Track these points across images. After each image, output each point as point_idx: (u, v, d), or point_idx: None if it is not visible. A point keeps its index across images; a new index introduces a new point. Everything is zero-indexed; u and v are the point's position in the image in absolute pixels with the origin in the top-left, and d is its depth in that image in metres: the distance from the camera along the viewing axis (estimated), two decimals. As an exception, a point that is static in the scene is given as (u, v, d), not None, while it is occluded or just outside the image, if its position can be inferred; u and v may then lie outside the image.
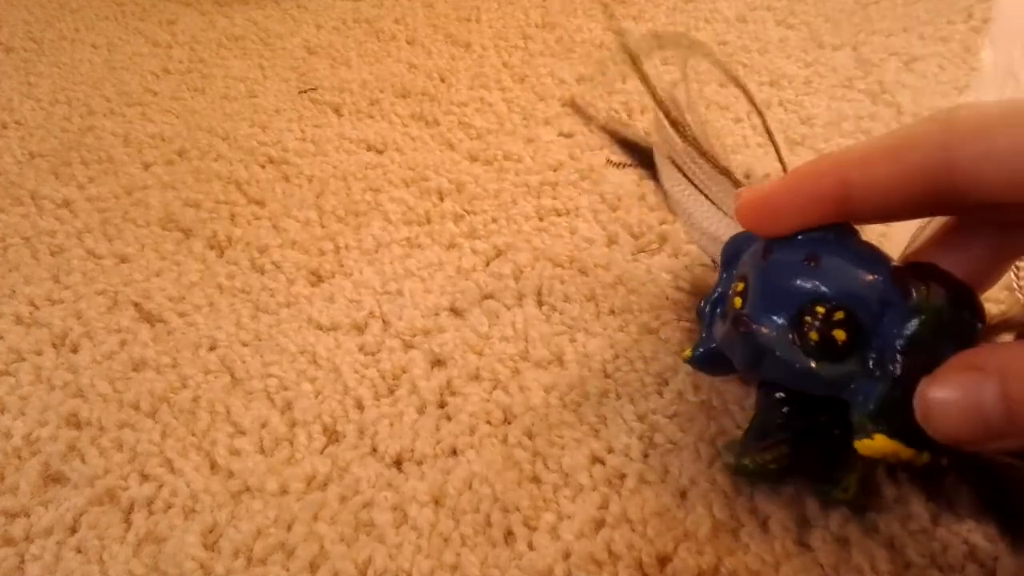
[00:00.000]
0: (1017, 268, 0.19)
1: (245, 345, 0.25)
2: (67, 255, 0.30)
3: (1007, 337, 0.19)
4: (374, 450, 0.21)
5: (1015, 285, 0.18)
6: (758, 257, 0.17)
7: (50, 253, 0.31)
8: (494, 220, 0.30)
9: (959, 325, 0.15)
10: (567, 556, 0.18)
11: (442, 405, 0.22)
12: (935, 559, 0.17)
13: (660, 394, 0.22)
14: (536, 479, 0.20)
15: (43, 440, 0.23)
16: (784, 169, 0.23)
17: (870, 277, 0.15)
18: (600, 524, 0.19)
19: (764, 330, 0.16)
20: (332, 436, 0.22)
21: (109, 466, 0.22)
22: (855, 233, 0.17)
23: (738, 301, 0.17)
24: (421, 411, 0.22)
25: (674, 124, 0.22)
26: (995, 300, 0.22)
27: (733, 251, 0.18)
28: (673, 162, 0.22)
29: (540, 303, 0.26)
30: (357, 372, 0.24)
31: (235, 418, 0.23)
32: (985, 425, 0.13)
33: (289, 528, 0.20)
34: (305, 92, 0.40)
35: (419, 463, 0.21)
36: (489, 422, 0.22)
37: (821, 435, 0.17)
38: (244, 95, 0.41)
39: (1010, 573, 0.17)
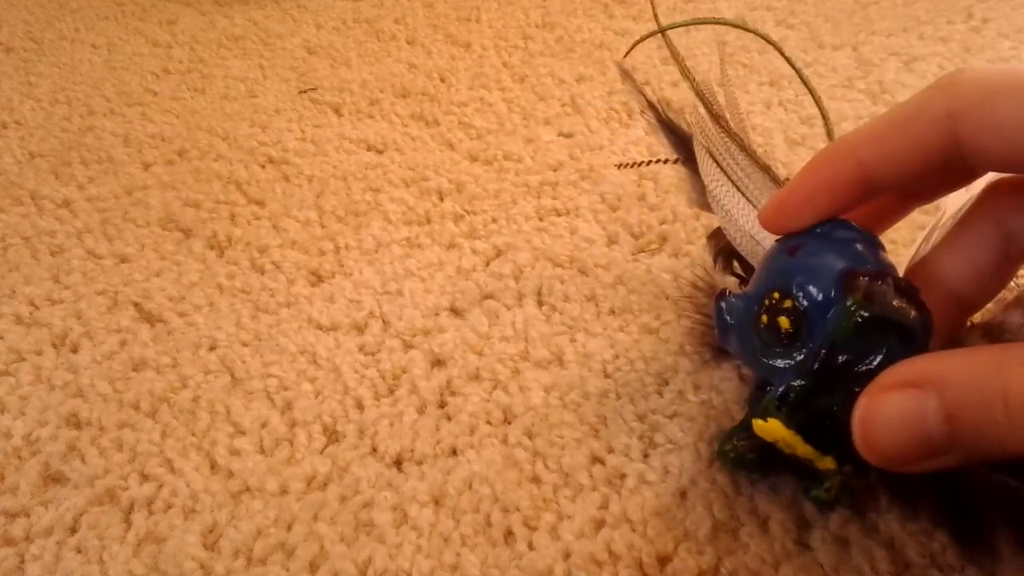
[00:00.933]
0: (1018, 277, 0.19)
1: (245, 345, 0.25)
2: (67, 255, 0.30)
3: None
4: (374, 450, 0.21)
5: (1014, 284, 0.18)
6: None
7: (50, 253, 0.31)
8: (494, 220, 0.30)
9: (899, 338, 0.14)
10: (567, 556, 0.18)
11: (442, 405, 0.22)
12: (935, 559, 0.17)
13: (660, 394, 0.22)
14: (536, 479, 0.20)
15: (43, 440, 0.23)
16: (826, 122, 0.23)
17: (825, 274, 0.15)
18: (600, 524, 0.19)
19: (732, 306, 0.17)
20: (332, 436, 0.22)
21: (109, 466, 0.22)
22: (856, 230, 0.17)
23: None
24: (421, 411, 0.22)
25: (714, 118, 0.22)
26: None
27: None
28: (712, 157, 0.22)
29: (540, 303, 0.26)
30: (357, 372, 0.24)
31: (235, 418, 0.23)
32: (928, 444, 0.12)
33: (289, 528, 0.20)
34: (305, 92, 0.40)
35: (419, 463, 0.21)
36: (489, 422, 0.22)
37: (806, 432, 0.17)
38: (244, 95, 0.41)
39: (1010, 574, 0.17)
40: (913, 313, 0.14)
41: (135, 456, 0.22)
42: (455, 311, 0.26)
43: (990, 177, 0.17)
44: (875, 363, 0.14)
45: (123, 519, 0.20)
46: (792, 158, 0.31)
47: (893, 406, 0.13)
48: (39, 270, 0.30)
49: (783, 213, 0.17)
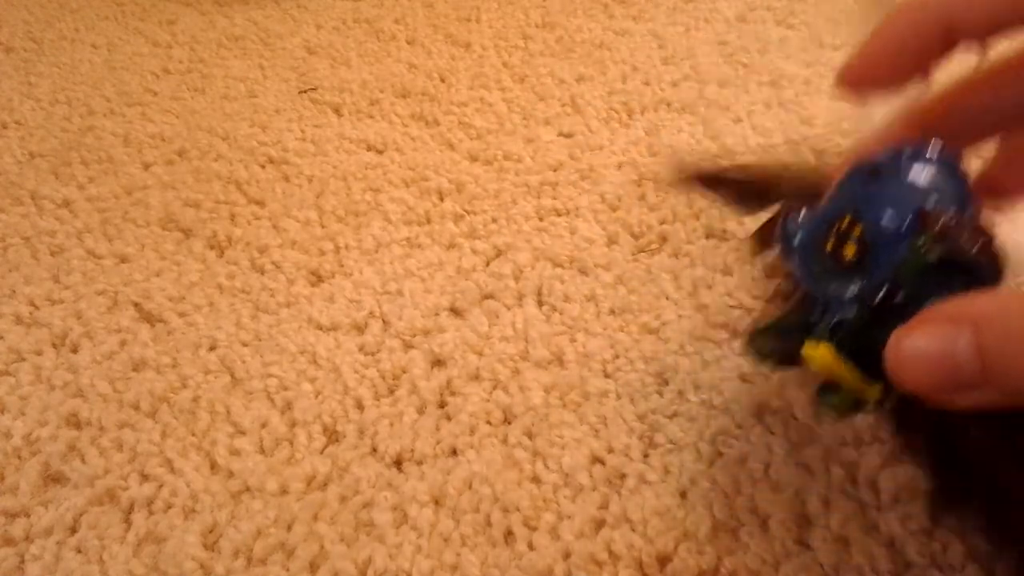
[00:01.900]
0: None
1: (245, 345, 0.25)
2: (67, 255, 0.30)
3: None
4: (374, 450, 0.21)
5: None
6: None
7: (50, 253, 0.31)
8: (494, 220, 0.30)
9: (965, 282, 0.14)
10: (567, 556, 0.18)
11: (442, 405, 0.22)
12: (935, 559, 0.17)
13: (660, 394, 0.22)
14: (536, 479, 0.20)
15: (43, 440, 0.23)
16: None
17: (901, 206, 0.15)
18: (600, 524, 0.19)
19: (800, 224, 0.16)
20: (332, 436, 0.22)
21: (109, 466, 0.22)
22: (942, 157, 0.16)
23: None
24: (421, 411, 0.22)
25: None
26: None
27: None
28: None
29: (540, 303, 0.26)
30: (357, 372, 0.24)
31: (235, 418, 0.23)
32: (957, 375, 0.13)
33: (289, 528, 0.20)
34: (305, 92, 0.40)
35: (419, 463, 0.21)
36: (489, 422, 0.22)
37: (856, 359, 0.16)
38: (244, 95, 0.41)
39: (1010, 573, 0.17)
40: (984, 259, 0.14)
41: (135, 456, 0.22)
42: (455, 311, 0.26)
43: None
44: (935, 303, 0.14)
45: (123, 519, 0.20)
46: (792, 158, 0.31)
47: (926, 337, 0.13)
48: (39, 270, 0.30)
49: (863, 73, 0.15)
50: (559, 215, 0.30)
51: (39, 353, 0.26)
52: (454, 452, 0.21)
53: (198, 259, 0.30)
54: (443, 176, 0.32)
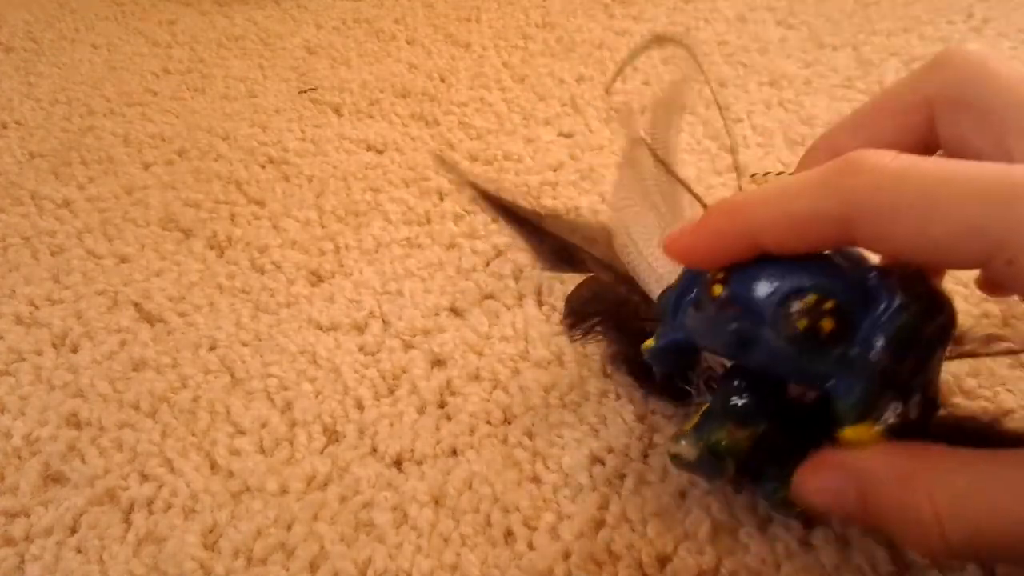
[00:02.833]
0: None
1: (245, 345, 0.25)
2: (67, 255, 0.30)
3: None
4: (374, 450, 0.21)
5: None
6: None
7: (50, 253, 0.31)
8: (494, 220, 0.30)
9: (935, 328, 0.15)
10: (567, 556, 0.18)
11: (442, 405, 0.22)
12: (935, 560, 0.17)
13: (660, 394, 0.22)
14: (536, 479, 0.20)
15: (43, 440, 0.23)
16: (738, 172, 0.24)
17: (858, 272, 0.15)
18: (600, 524, 0.19)
19: (752, 315, 0.16)
20: (332, 436, 0.22)
21: (109, 466, 0.22)
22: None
23: (717, 288, 0.16)
24: (421, 411, 0.22)
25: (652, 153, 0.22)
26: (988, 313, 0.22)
27: None
28: (639, 173, 0.22)
29: (540, 303, 0.26)
30: (357, 372, 0.24)
31: (235, 418, 0.23)
32: (844, 514, 0.15)
33: (289, 528, 0.20)
34: (305, 92, 0.40)
35: (419, 463, 0.21)
36: (489, 422, 0.22)
37: (787, 425, 0.17)
38: (244, 95, 0.41)
39: (1010, 572, 0.17)
40: (942, 307, 0.15)
41: (135, 456, 0.22)
42: (455, 311, 0.26)
43: None
44: (923, 355, 0.15)
45: (123, 519, 0.20)
46: (792, 158, 0.31)
47: (823, 480, 0.15)
48: (39, 270, 0.30)
49: (682, 251, 0.16)
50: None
51: (39, 353, 0.26)
52: (454, 452, 0.21)
53: (198, 259, 0.30)
54: (443, 176, 0.32)
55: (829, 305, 0.15)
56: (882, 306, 0.15)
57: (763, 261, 0.16)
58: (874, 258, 0.16)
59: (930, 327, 0.15)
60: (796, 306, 0.15)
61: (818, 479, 0.15)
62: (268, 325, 0.26)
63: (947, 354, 0.15)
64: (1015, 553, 0.13)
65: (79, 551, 0.20)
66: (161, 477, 0.21)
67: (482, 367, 0.23)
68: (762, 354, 0.16)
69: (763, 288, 0.16)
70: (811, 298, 0.15)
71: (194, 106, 0.40)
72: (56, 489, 0.21)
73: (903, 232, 0.13)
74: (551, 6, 0.47)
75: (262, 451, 0.22)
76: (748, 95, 0.36)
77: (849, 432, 0.15)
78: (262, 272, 0.29)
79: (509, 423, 0.22)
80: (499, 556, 0.18)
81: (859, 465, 0.15)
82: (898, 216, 0.13)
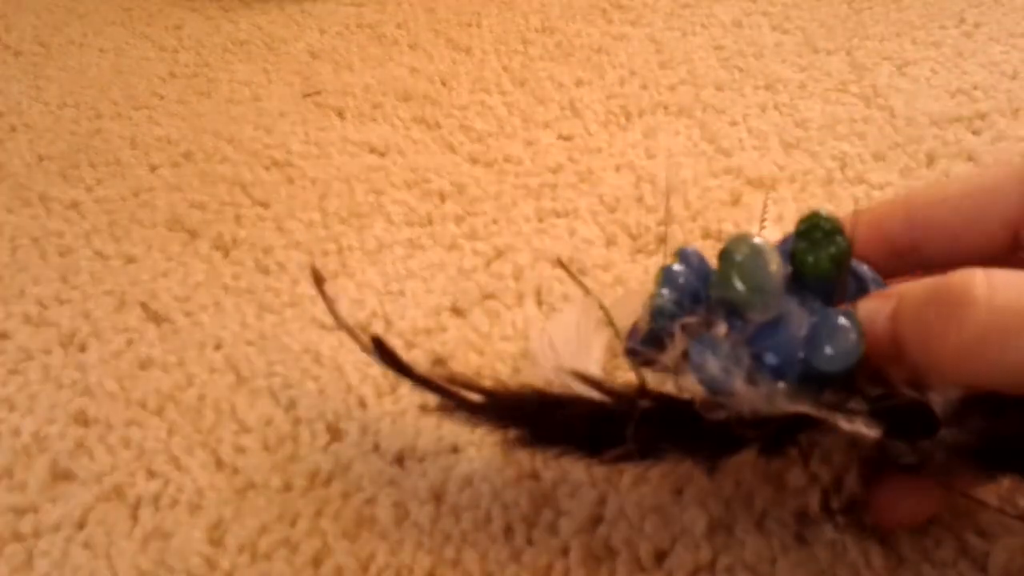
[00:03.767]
0: None
1: (250, 344, 0.26)
2: (75, 256, 0.31)
3: None
4: (376, 447, 0.22)
5: None
6: None
7: (58, 254, 0.31)
8: (495, 221, 0.30)
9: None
10: (565, 552, 0.18)
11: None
12: (928, 555, 0.17)
13: (658, 393, 0.22)
14: (535, 476, 0.20)
15: (51, 437, 0.23)
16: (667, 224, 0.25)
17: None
18: (598, 520, 0.19)
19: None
20: (335, 434, 0.22)
21: (116, 463, 0.22)
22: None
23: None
24: (422, 409, 0.23)
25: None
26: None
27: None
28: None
29: (540, 303, 0.26)
30: (359, 371, 0.24)
31: (240, 416, 0.23)
32: (876, 341, 0.15)
33: (293, 524, 0.20)
34: (309, 96, 0.41)
35: (420, 460, 0.21)
36: (489, 420, 0.22)
37: None
38: (249, 99, 0.41)
39: (1001, 568, 0.17)
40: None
41: (142, 453, 0.22)
42: (456, 311, 0.26)
43: None
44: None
45: (130, 515, 0.21)
46: (787, 161, 0.31)
47: (870, 303, 0.15)
48: (48, 270, 0.30)
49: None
50: (558, 216, 0.30)
51: (48, 352, 0.26)
52: (455, 449, 0.21)
53: (204, 260, 0.30)
54: (444, 178, 0.33)
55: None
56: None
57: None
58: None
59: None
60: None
61: (868, 302, 0.15)
62: (272, 324, 0.26)
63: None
64: None
65: (87, 547, 0.20)
66: (167, 474, 0.22)
67: (483, 366, 0.24)
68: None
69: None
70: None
71: (200, 109, 0.41)
72: (64, 486, 0.22)
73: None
74: (550, 11, 0.47)
75: (266, 448, 0.22)
76: (744, 99, 0.36)
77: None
78: (266, 272, 0.29)
79: (509, 421, 0.22)
80: (499, 552, 0.19)
81: (902, 287, 0.15)
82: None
